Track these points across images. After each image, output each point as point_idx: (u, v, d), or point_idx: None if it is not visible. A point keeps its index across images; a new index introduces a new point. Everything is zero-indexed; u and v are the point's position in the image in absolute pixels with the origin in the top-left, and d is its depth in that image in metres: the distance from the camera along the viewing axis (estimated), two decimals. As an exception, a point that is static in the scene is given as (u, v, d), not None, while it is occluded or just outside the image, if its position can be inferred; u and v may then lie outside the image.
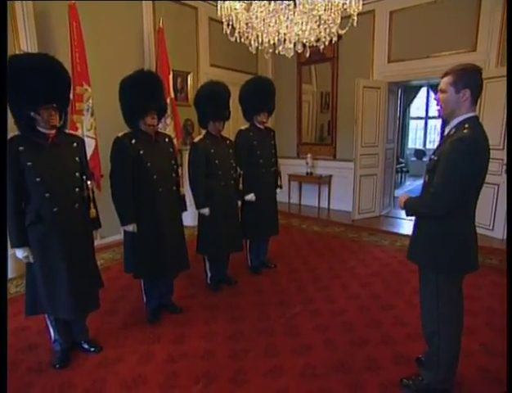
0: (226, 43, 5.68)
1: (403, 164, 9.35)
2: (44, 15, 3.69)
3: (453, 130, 1.60)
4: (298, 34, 2.45)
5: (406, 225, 5.19)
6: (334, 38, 2.54)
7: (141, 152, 2.35)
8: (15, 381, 2.01)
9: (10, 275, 3.40)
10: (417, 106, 10.79)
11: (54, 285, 2.01)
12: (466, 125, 1.54)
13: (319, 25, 2.43)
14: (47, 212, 1.93)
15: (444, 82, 1.61)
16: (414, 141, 11.29)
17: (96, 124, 3.74)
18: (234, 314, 2.72)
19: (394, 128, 5.94)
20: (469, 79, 1.55)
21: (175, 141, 4.54)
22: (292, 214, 5.97)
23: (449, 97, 1.59)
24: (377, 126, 5.39)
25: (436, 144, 10.63)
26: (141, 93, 2.32)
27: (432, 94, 10.06)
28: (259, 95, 3.12)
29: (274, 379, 2.03)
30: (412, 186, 8.83)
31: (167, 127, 4.39)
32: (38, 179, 1.87)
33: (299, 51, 2.67)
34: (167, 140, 2.57)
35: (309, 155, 6.09)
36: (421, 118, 10.98)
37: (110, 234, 4.24)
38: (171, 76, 4.49)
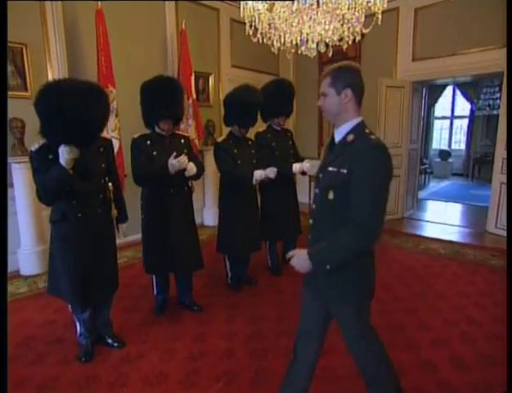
0: (247, 44, 5.75)
1: (427, 166, 9.12)
2: (72, 18, 3.82)
3: (351, 137, 1.37)
4: (321, 34, 2.43)
5: (430, 228, 5.07)
6: (358, 38, 2.50)
7: (155, 153, 2.44)
8: (43, 372, 2.09)
9: (38, 271, 3.54)
10: (442, 106, 10.50)
11: (69, 277, 2.07)
12: (367, 131, 1.37)
13: (342, 24, 2.40)
14: (71, 215, 2.02)
15: (323, 85, 1.41)
16: (438, 141, 10.99)
17: (120, 125, 3.84)
18: (254, 314, 2.72)
19: (418, 129, 5.81)
20: (348, 78, 1.37)
21: (196, 141, 4.61)
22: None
23: (331, 99, 1.39)
24: (400, 126, 5.28)
25: (462, 144, 10.33)
26: (156, 100, 2.39)
27: (458, 93, 9.77)
28: (280, 98, 3.12)
29: (294, 380, 2.01)
30: (436, 187, 8.60)
31: (189, 127, 4.45)
32: (67, 188, 1.95)
33: (322, 51, 2.65)
34: (182, 141, 2.61)
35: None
36: (446, 117, 10.68)
37: (133, 233, 4.33)
38: (193, 77, 4.54)
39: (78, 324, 2.25)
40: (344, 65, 1.39)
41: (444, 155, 10.20)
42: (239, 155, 2.85)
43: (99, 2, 3.63)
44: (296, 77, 6.36)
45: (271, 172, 2.84)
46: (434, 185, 8.99)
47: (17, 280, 3.42)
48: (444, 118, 10.72)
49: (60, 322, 2.61)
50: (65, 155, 1.84)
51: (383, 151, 1.31)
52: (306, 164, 3.18)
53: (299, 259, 1.41)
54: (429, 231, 4.87)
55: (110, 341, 2.33)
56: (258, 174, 2.80)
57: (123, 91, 3.92)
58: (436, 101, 9.83)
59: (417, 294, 3.03)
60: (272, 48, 2.77)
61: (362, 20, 2.42)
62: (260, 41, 2.71)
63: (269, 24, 2.53)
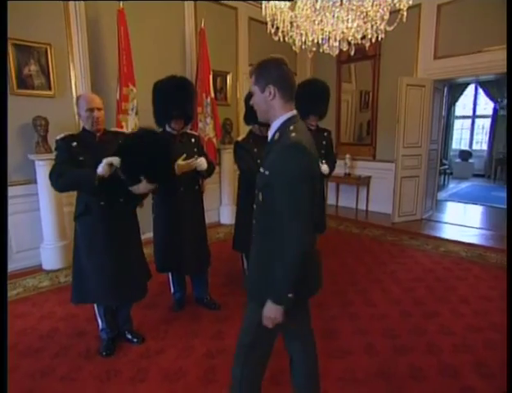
0: (265, 43, 5.76)
1: (446, 166, 8.91)
2: (94, 18, 3.89)
3: (277, 135, 1.31)
4: (344, 32, 2.40)
5: (449, 230, 4.95)
6: (381, 35, 2.46)
7: None
8: (67, 364, 2.14)
9: (59, 265, 3.62)
10: (463, 105, 10.24)
11: (99, 273, 2.11)
12: (291, 128, 1.27)
13: (365, 22, 2.37)
14: (95, 205, 2.06)
15: (250, 84, 1.36)
16: (458, 141, 10.73)
17: (139, 124, 3.89)
18: (271, 314, 2.72)
19: (439, 128, 5.68)
20: (270, 74, 1.28)
21: (214, 140, 4.63)
22: (329, 215, 5.86)
23: (257, 98, 1.33)
24: (420, 126, 5.17)
25: (483, 145, 10.06)
26: (168, 100, 2.42)
27: (480, 91, 9.51)
28: (311, 98, 3.07)
29: (313, 381, 2.00)
30: (456, 189, 8.40)
31: (207, 126, 4.47)
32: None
33: (344, 50, 2.61)
34: (193, 140, 2.62)
35: (348, 156, 5.96)
36: (467, 117, 10.41)
37: (150, 230, 4.38)
38: (211, 76, 4.56)
39: (100, 320, 2.29)
40: (265, 61, 1.31)
41: (465, 155, 9.95)
42: (259, 154, 2.84)
43: (121, 3, 3.68)
44: (314, 76, 6.31)
45: None
46: (454, 186, 8.78)
47: (40, 274, 3.51)
48: (465, 117, 10.45)
49: (81, 316, 2.66)
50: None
51: (298, 149, 1.21)
52: (323, 166, 3.15)
53: (269, 314, 1.30)
54: (449, 233, 4.76)
55: (129, 336, 2.37)
56: None
57: (143, 90, 3.96)
58: (457, 99, 9.60)
59: (438, 297, 2.96)
60: (294, 47, 2.75)
61: (387, 17, 2.37)
62: (281, 40, 2.68)
63: (291, 23, 2.51)
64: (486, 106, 9.73)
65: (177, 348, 2.31)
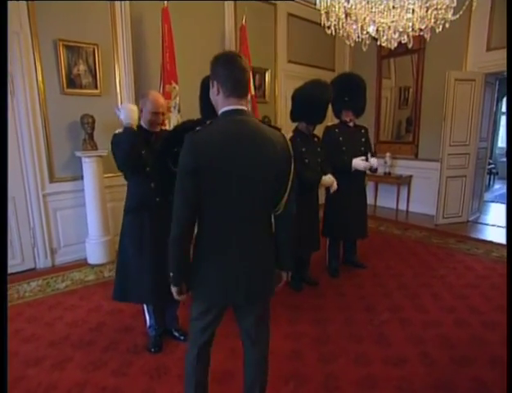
0: (303, 39, 5.66)
1: (493, 165, 8.41)
2: (138, 18, 3.95)
3: None
4: (406, 22, 2.26)
5: (499, 233, 4.64)
6: (447, 25, 2.30)
7: None
8: (117, 358, 2.17)
9: (103, 260, 3.71)
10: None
11: (144, 272, 2.10)
12: (208, 122, 1.32)
13: (427, 10, 2.22)
14: (151, 201, 2.06)
15: None
16: (504, 139, 10.09)
17: (181, 121, 3.91)
18: (318, 317, 2.64)
19: (489, 125, 5.34)
20: (215, 70, 1.31)
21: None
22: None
23: (211, 93, 1.37)
24: (469, 123, 4.88)
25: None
26: None
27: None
28: (344, 92, 2.99)
29: (368, 389, 1.91)
30: (503, 190, 7.90)
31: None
32: (147, 169, 2.01)
33: (404, 42, 2.47)
34: None
35: (388, 154, 5.75)
36: (515, 113, 9.76)
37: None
38: (251, 73, 4.51)
39: (148, 317, 2.30)
40: (215, 57, 1.32)
41: (511, 154, 9.36)
42: (306, 153, 2.76)
43: (165, 2, 3.71)
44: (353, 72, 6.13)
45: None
46: (500, 187, 8.27)
47: (85, 268, 3.61)
48: (512, 114, 9.82)
49: (127, 312, 2.70)
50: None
51: (187, 140, 1.25)
52: (373, 160, 3.03)
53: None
54: (499, 237, 4.46)
55: (176, 333, 2.36)
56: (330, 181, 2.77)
57: (185, 87, 3.98)
58: (504, 94, 9.02)
59: (497, 306, 2.75)
60: (347, 41, 2.63)
61: (454, 4, 2.21)
62: (333, 33, 2.57)
63: (346, 15, 2.39)
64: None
65: (224, 348, 2.25)
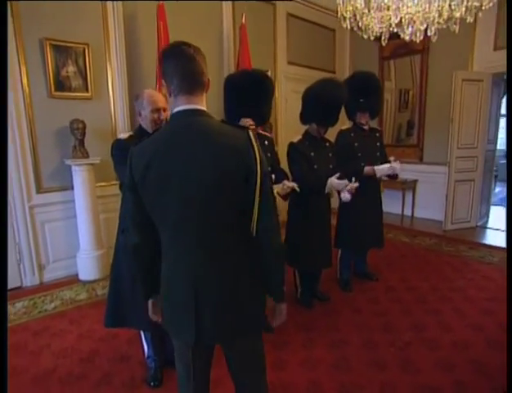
0: (303, 40, 5.47)
1: (495, 168, 8.27)
2: (131, 18, 3.72)
3: None
4: (434, 12, 2.05)
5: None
6: (479, 14, 2.09)
7: None
8: (111, 396, 1.90)
9: (96, 276, 3.43)
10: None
11: (137, 290, 1.84)
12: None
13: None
14: None
15: None
16: (503, 141, 10.01)
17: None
18: (334, 338, 2.39)
19: (496, 127, 5.19)
20: (163, 67, 1.13)
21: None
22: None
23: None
24: (477, 125, 4.71)
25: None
26: (239, 99, 2.22)
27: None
28: (359, 92, 2.79)
29: (401, 429, 1.67)
30: (503, 194, 7.77)
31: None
32: None
33: (429, 34, 2.27)
34: (266, 143, 2.35)
35: (392, 158, 5.52)
36: (514, 115, 9.69)
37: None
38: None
39: (146, 345, 2.04)
40: (162, 51, 1.17)
41: (511, 156, 9.26)
42: (316, 158, 2.52)
43: (160, 1, 3.49)
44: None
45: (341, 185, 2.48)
46: (501, 190, 8.15)
47: (76, 285, 3.33)
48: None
49: (123, 337, 2.43)
50: None
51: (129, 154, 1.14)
52: (396, 165, 2.81)
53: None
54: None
55: (178, 363, 2.10)
56: (341, 185, 2.47)
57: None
58: (502, 96, 8.94)
59: (527, 322, 2.54)
60: (364, 35, 2.42)
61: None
62: (348, 27, 2.36)
63: (365, 5, 2.18)
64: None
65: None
